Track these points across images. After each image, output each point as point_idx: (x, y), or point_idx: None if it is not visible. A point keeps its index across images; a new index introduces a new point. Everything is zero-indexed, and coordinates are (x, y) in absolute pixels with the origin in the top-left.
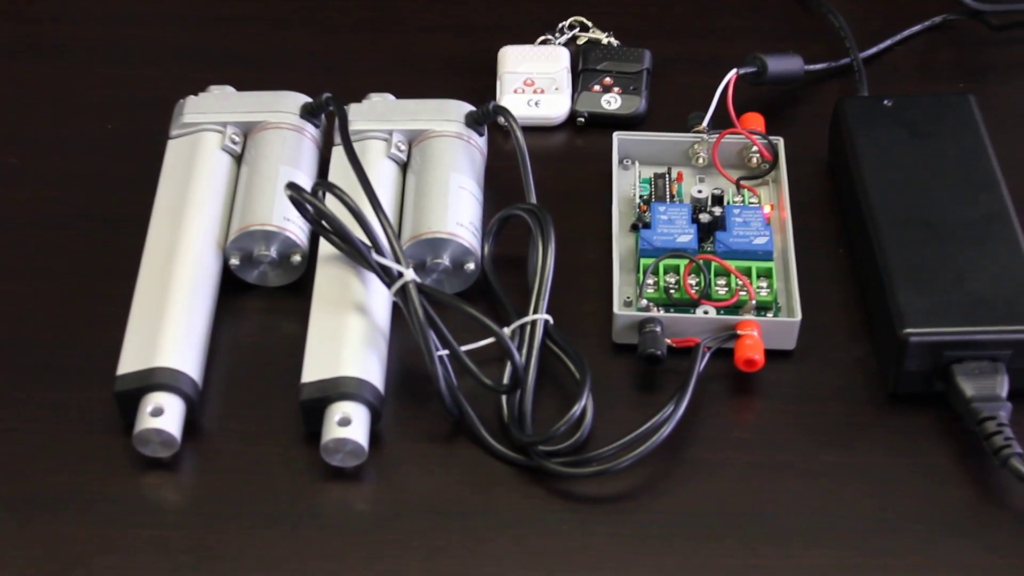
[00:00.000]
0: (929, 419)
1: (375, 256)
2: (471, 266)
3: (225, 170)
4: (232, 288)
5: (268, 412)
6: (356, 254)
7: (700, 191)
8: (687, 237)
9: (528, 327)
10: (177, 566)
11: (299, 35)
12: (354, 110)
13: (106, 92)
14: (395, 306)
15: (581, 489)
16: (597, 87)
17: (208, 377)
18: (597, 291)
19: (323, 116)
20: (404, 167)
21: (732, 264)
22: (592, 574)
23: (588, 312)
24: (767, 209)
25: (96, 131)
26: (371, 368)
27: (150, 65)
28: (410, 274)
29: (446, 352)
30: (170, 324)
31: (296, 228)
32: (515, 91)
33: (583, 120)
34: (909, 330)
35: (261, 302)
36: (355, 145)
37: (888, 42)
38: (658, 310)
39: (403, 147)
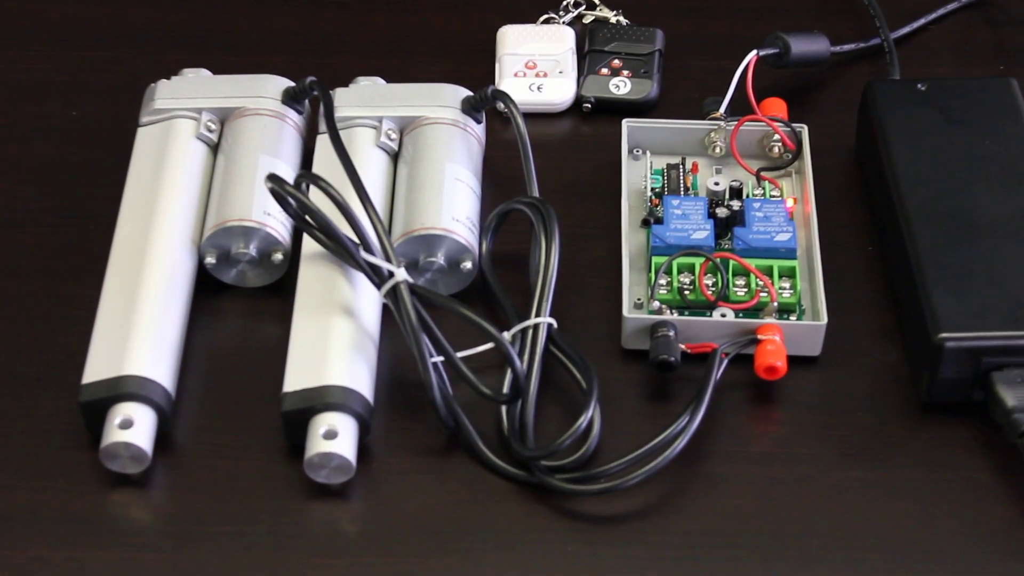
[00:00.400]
0: (967, 431)
1: (363, 254)
2: (468, 265)
3: (200, 160)
4: (208, 289)
5: (247, 424)
6: (343, 252)
7: (717, 183)
8: (703, 233)
9: (530, 331)
10: None
11: (281, 13)
12: (340, 95)
13: (70, 76)
14: (385, 309)
15: (587, 508)
16: (605, 70)
17: (181, 386)
18: (605, 292)
19: (307, 102)
20: (395, 157)
21: (752, 263)
22: None
23: (595, 315)
24: (790, 203)
25: (59, 118)
26: (359, 376)
27: (118, 46)
28: (401, 274)
29: (441, 359)
30: (140, 328)
31: (277, 224)
32: (516, 74)
33: (589, 106)
34: (945, 334)
35: (239, 304)
36: (342, 133)
37: (922, 21)
38: (671, 313)
39: (394, 135)
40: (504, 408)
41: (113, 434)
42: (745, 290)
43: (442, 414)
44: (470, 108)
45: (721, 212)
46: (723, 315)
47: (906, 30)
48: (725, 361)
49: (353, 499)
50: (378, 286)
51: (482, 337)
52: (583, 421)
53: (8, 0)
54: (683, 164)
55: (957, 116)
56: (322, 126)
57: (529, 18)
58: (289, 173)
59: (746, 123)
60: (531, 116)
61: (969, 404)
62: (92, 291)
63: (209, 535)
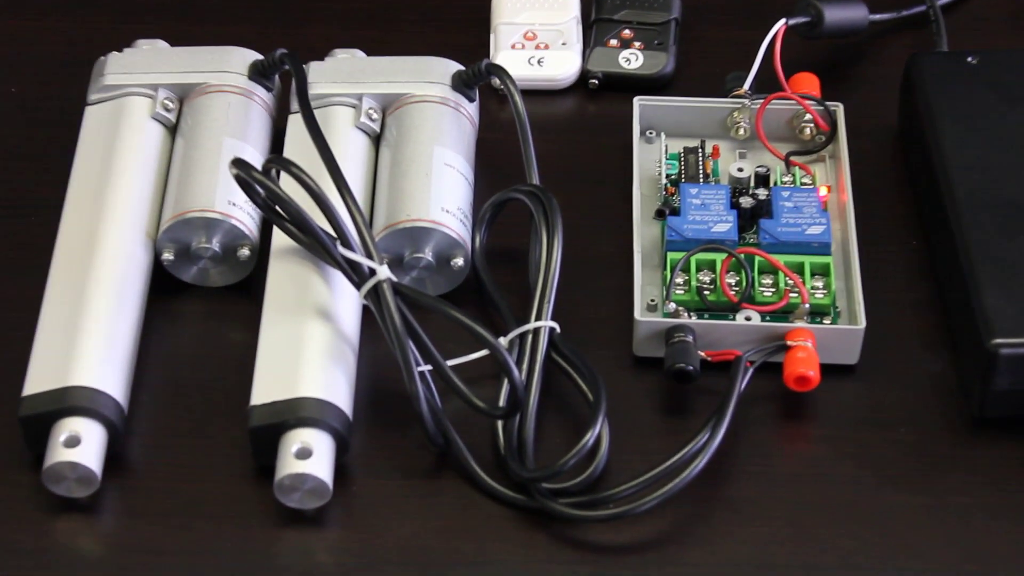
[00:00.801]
0: (1023, 449)
1: (341, 249)
2: (459, 262)
3: (156, 143)
4: (165, 289)
5: (209, 442)
6: (317, 247)
7: (741, 169)
8: (725, 226)
9: (529, 336)
10: None
11: None
12: (315, 70)
13: (8, 48)
14: (366, 311)
15: (595, 536)
16: (614, 41)
17: (135, 399)
18: (614, 293)
19: (277, 77)
20: (377, 140)
21: (780, 259)
22: None
23: (603, 318)
24: (823, 191)
25: None
26: (336, 388)
27: (62, 14)
28: (384, 272)
29: (428, 367)
30: (88, 334)
31: (243, 215)
32: (513, 47)
33: (596, 82)
34: (999, 340)
35: (200, 306)
36: (316, 113)
37: None
38: (689, 316)
39: (375, 115)
40: (500, 423)
41: (58, 453)
42: (773, 290)
43: (430, 430)
44: (462, 84)
45: (745, 202)
46: (748, 318)
47: None
48: (750, 370)
49: (329, 526)
50: (358, 286)
51: (475, 343)
52: (589, 438)
53: None
54: (702, 148)
55: (1011, 93)
56: (294, 105)
57: None
58: (257, 158)
59: (774, 101)
60: (530, 94)
61: None
62: (34, 291)
63: (167, 568)
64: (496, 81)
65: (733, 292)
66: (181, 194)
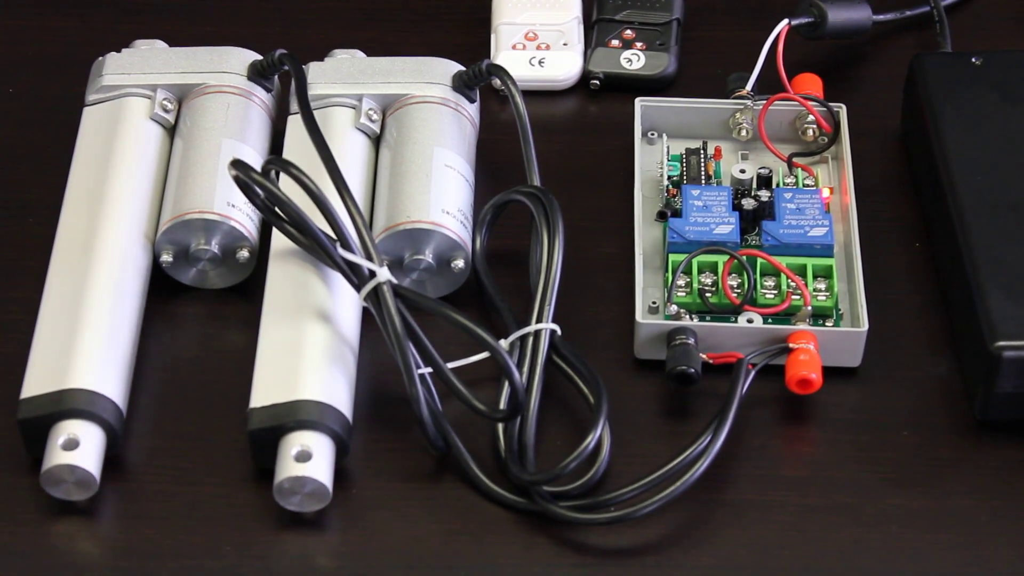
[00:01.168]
0: None
1: (341, 251)
2: (459, 264)
3: (155, 144)
4: (164, 291)
5: (208, 445)
6: (317, 249)
7: (743, 171)
8: (727, 228)
9: (530, 339)
10: None
11: None
12: (314, 70)
13: (7, 48)
14: (366, 313)
15: (596, 539)
16: (615, 42)
17: (133, 401)
18: (615, 295)
19: (276, 78)
20: (377, 141)
21: (783, 261)
22: None
23: (604, 320)
24: (826, 193)
25: None
26: (336, 390)
27: (61, 14)
28: (384, 274)
29: (429, 370)
30: (87, 336)
31: (243, 217)
32: (514, 47)
33: (598, 83)
34: (1003, 343)
35: (200, 308)
36: (316, 113)
37: None
38: (691, 318)
39: (375, 116)
40: (501, 426)
41: (56, 456)
42: (775, 292)
43: (430, 433)
44: (462, 85)
45: (747, 203)
46: (750, 320)
47: None
48: (752, 373)
49: (329, 530)
50: (358, 288)
51: (476, 346)
52: (590, 441)
53: None
54: (704, 149)
55: (1017, 94)
56: (294, 106)
57: None
58: (256, 159)
59: (776, 102)
60: (531, 94)
61: None
62: (32, 293)
63: (166, 571)
64: (497, 82)
65: (735, 294)
66: (180, 195)
